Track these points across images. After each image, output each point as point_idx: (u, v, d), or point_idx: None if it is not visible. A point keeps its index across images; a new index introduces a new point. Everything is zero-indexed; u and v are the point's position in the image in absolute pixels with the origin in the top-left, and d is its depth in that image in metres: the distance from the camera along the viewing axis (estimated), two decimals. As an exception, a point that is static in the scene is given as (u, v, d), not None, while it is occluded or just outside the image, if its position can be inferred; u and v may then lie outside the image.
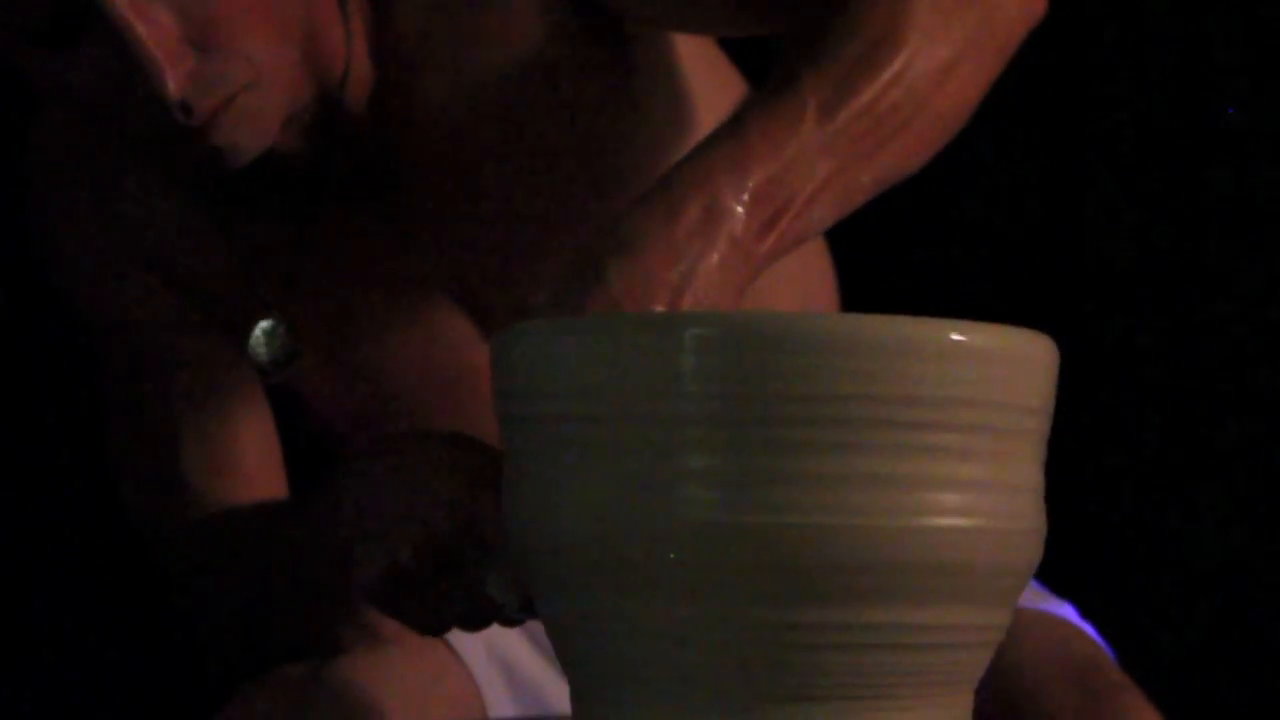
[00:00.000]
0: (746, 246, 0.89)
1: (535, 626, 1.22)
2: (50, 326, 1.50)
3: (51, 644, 1.62)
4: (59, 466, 1.60)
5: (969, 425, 0.78)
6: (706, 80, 1.23)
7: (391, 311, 1.19)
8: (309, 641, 1.19)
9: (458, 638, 1.23)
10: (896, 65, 0.94)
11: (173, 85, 0.97)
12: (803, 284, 1.30)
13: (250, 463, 1.21)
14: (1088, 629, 1.24)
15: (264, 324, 1.16)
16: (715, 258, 0.87)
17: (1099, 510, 1.58)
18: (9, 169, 1.26)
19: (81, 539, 1.61)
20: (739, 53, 1.29)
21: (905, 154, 0.96)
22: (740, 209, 0.88)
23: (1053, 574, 0.87)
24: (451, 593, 0.95)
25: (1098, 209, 1.66)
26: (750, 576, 0.77)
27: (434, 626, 0.98)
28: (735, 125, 0.91)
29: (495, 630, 1.23)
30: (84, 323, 1.25)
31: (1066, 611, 1.25)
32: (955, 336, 0.77)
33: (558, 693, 1.25)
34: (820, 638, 0.77)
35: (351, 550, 0.99)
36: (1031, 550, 0.82)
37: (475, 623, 0.97)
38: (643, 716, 0.81)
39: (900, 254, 1.66)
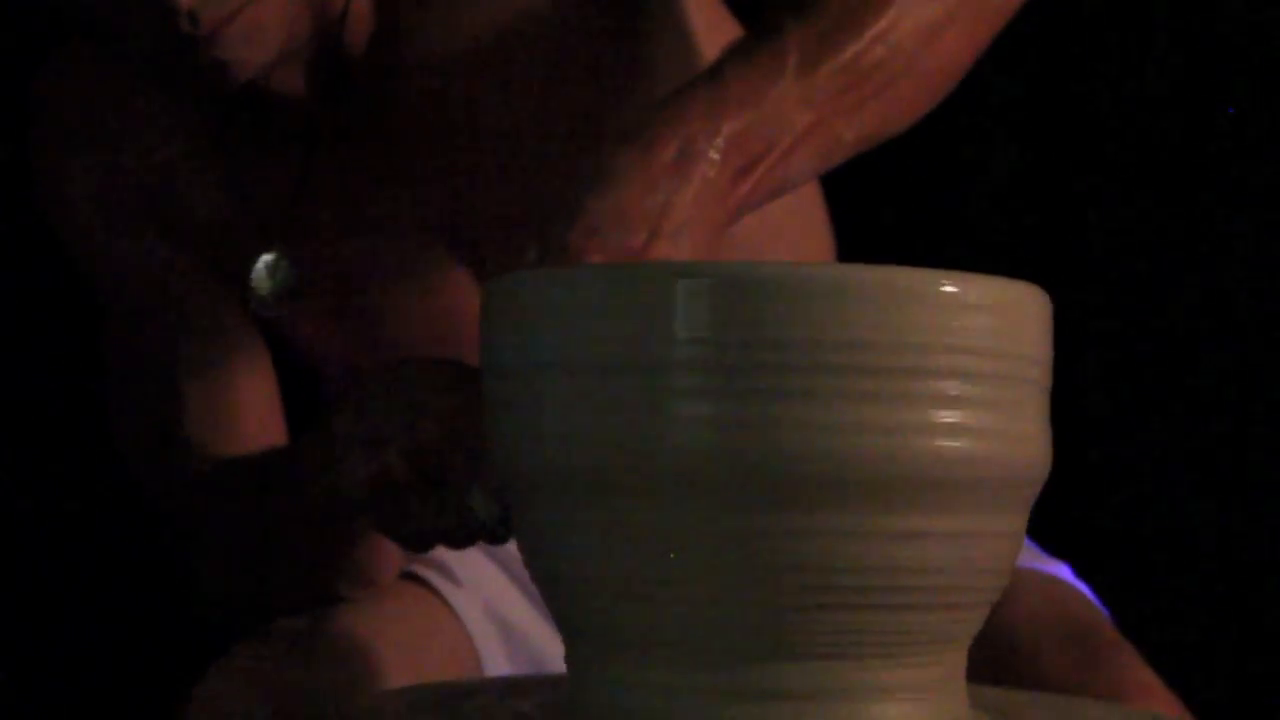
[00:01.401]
0: (721, 190, 0.91)
1: (532, 584, 1.24)
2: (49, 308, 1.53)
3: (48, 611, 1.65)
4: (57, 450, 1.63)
5: (967, 372, 0.78)
6: (711, 39, 1.23)
7: (389, 257, 1.20)
8: (306, 587, 1.20)
9: (454, 594, 1.25)
10: (882, 23, 0.95)
11: None
12: (798, 237, 1.31)
13: (251, 417, 1.22)
14: (1083, 589, 1.25)
15: (266, 257, 1.18)
16: (690, 194, 0.89)
17: (1094, 471, 1.59)
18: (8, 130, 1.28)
19: (79, 516, 1.64)
20: (745, 12, 1.30)
21: (890, 112, 0.98)
22: (714, 153, 0.90)
23: (1048, 534, 0.88)
24: (437, 506, 0.97)
25: (1094, 164, 1.67)
26: (739, 495, 0.77)
27: (419, 541, 1.00)
28: (714, 74, 0.93)
29: (492, 587, 1.27)
30: (85, 279, 1.26)
31: (1062, 571, 1.26)
32: (947, 288, 0.78)
33: (554, 650, 1.26)
34: (813, 553, 0.78)
35: (342, 461, 1.01)
36: (1038, 471, 0.83)
37: (460, 539, 0.98)
38: (635, 673, 0.82)
39: (897, 208, 1.67)
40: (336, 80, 1.16)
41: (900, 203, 1.67)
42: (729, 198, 0.92)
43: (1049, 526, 0.89)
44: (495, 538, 0.96)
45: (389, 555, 1.19)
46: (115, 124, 1.22)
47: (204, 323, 1.22)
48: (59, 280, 1.34)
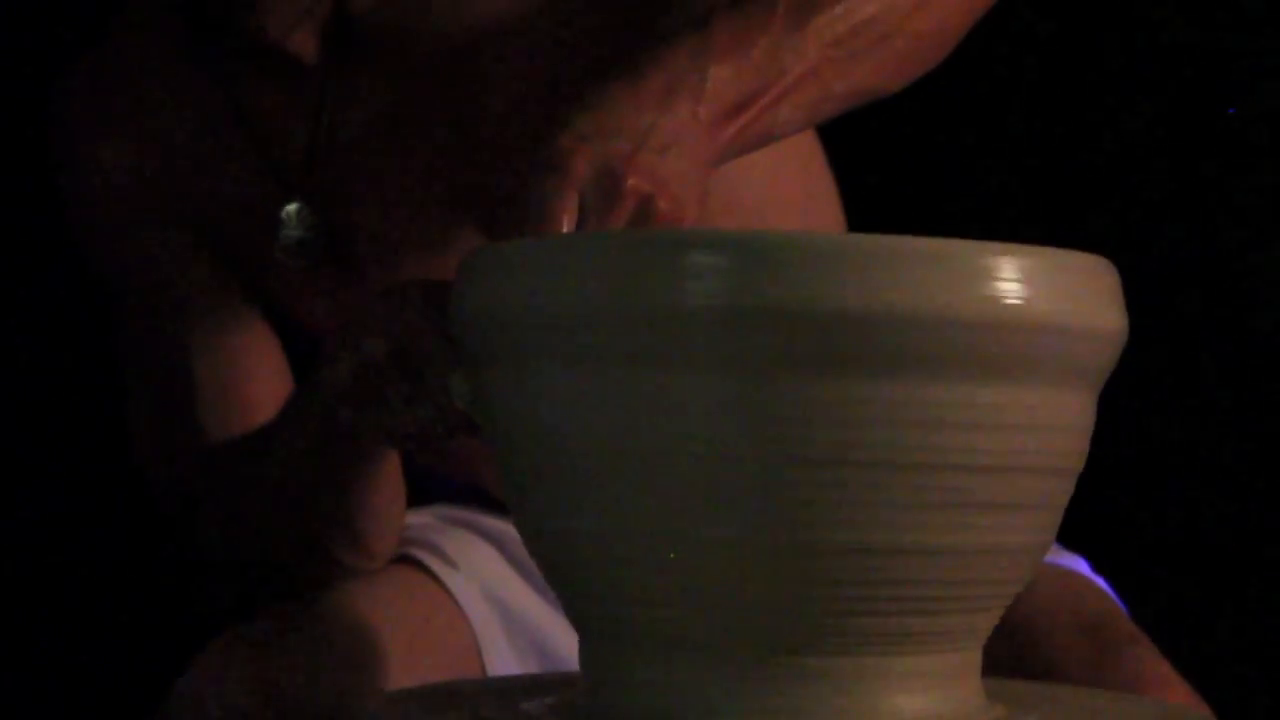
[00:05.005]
0: (707, 127, 0.97)
1: (535, 567, 1.26)
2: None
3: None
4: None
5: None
6: None
7: (399, 216, 1.23)
8: (306, 556, 1.22)
9: (451, 577, 1.27)
10: None
11: None
12: (807, 207, 1.34)
13: (263, 404, 1.25)
14: (1100, 582, 1.28)
15: (291, 206, 1.23)
16: (676, 122, 0.96)
17: (1112, 464, 1.57)
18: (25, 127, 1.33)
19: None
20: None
21: (882, 70, 1.04)
22: (701, 91, 0.96)
23: (1065, 528, 0.91)
24: (416, 394, 1.00)
25: (1112, 134, 1.69)
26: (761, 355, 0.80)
27: (398, 432, 1.03)
28: (701, 23, 0.99)
29: (490, 570, 1.30)
30: (97, 265, 1.30)
31: (1078, 565, 1.29)
32: (1001, 258, 0.81)
33: (557, 634, 1.30)
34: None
35: (328, 360, 1.06)
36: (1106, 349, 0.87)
37: (438, 431, 1.01)
38: (650, 669, 0.86)
39: (905, 176, 1.70)
40: (346, 39, 1.21)
41: (908, 177, 1.69)
42: (715, 137, 0.97)
43: (1066, 520, 0.91)
44: (472, 429, 0.98)
45: (387, 524, 1.23)
46: (141, 110, 1.26)
47: (218, 310, 1.26)
48: (61, 282, 1.39)
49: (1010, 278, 0.81)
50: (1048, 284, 0.82)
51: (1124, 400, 0.94)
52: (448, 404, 0.98)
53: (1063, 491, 0.89)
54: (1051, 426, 0.85)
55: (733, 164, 1.06)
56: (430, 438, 1.02)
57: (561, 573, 0.91)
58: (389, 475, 1.19)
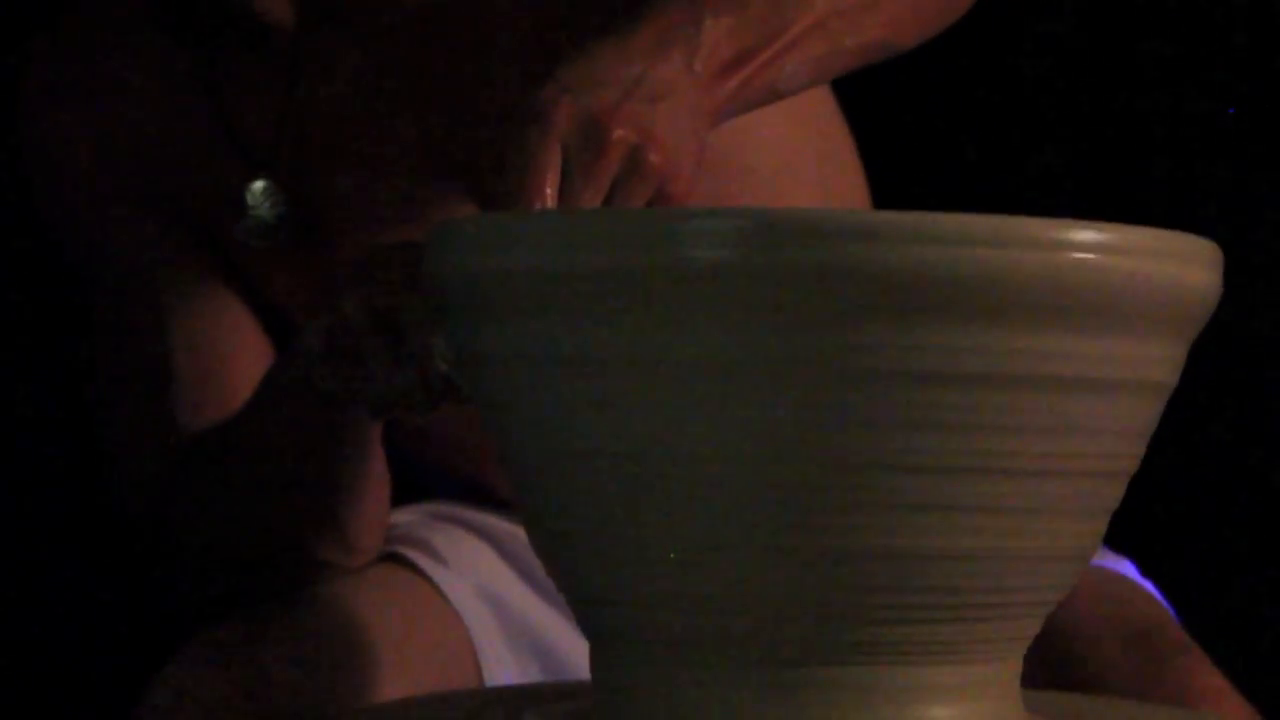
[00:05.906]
0: (704, 79, 0.95)
1: (533, 565, 1.24)
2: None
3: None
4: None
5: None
6: None
7: (381, 190, 1.22)
8: (286, 548, 1.20)
9: (442, 575, 1.25)
10: None
11: None
12: (822, 173, 1.32)
13: (243, 387, 1.23)
14: (1148, 587, 1.27)
15: (258, 183, 1.21)
16: (668, 71, 0.94)
17: (1162, 460, 1.59)
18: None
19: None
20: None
21: (895, 23, 1.02)
22: (695, 42, 0.95)
23: (1111, 528, 0.88)
24: (396, 358, 0.98)
25: (1148, 119, 1.67)
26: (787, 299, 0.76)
27: (379, 399, 1.00)
28: None
29: (484, 567, 1.28)
30: (69, 260, 1.30)
31: (1125, 568, 1.28)
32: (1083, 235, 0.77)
33: (557, 634, 1.27)
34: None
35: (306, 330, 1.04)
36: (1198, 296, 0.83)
37: (420, 399, 0.98)
38: (667, 680, 0.83)
39: (934, 144, 1.68)
40: (320, 3, 1.20)
41: (937, 144, 1.68)
42: (713, 91, 0.95)
43: (1112, 520, 0.88)
44: (457, 394, 0.96)
45: (372, 516, 1.20)
46: (106, 86, 1.26)
47: (193, 293, 1.25)
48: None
49: (1078, 240, 0.78)
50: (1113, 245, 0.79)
51: (1176, 393, 0.92)
52: (431, 368, 0.95)
53: (1113, 495, 0.86)
54: (1102, 417, 0.82)
55: (744, 129, 1.06)
56: (413, 405, 0.99)
57: (569, 576, 0.88)
58: (373, 463, 1.16)
